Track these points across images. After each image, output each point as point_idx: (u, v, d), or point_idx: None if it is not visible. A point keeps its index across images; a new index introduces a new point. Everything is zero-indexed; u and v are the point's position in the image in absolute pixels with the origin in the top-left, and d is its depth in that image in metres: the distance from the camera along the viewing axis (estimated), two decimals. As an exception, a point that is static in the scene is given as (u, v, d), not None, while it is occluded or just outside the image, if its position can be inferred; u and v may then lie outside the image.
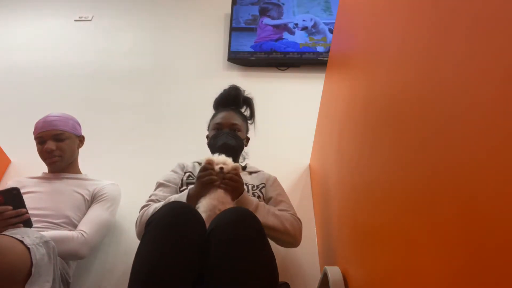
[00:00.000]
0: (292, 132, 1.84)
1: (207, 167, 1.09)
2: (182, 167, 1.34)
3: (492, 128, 0.37)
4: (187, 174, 1.29)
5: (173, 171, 1.32)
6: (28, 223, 1.07)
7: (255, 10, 2.39)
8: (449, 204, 0.44)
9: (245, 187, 1.22)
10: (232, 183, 1.07)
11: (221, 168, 1.08)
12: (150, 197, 1.21)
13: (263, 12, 2.36)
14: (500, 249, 0.35)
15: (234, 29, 2.31)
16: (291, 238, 1.14)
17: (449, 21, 0.48)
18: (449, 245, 0.43)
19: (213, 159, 1.11)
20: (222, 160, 1.11)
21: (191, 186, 1.13)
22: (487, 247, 0.37)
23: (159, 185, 1.26)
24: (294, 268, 1.36)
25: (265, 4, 2.39)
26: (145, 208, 1.16)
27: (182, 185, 1.25)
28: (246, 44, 2.25)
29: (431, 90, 0.51)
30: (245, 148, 1.42)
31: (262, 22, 2.32)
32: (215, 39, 2.40)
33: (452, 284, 0.42)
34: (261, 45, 2.24)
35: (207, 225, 0.94)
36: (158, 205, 1.13)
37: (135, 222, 1.16)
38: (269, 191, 1.29)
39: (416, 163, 0.54)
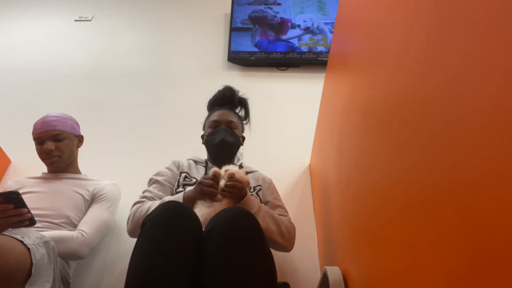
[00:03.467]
0: (292, 132, 1.84)
1: (212, 179, 1.08)
2: (178, 166, 1.32)
3: (493, 129, 0.37)
4: (183, 175, 1.27)
5: (168, 168, 1.30)
6: (31, 221, 1.06)
7: (252, 11, 2.38)
8: (449, 204, 0.44)
9: None
10: (235, 190, 1.06)
11: (214, 176, 1.08)
12: (143, 193, 1.19)
13: (257, 21, 2.32)
14: (501, 249, 0.35)
15: (234, 29, 2.31)
16: (286, 243, 1.14)
17: (451, 21, 0.48)
18: (449, 245, 0.43)
19: (220, 171, 1.10)
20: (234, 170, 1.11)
21: (188, 188, 1.12)
22: (488, 247, 0.37)
23: (154, 181, 1.23)
24: (294, 268, 1.36)
25: (254, 13, 2.35)
26: (139, 205, 1.13)
27: (178, 186, 1.23)
28: (246, 44, 2.25)
29: (431, 90, 0.51)
30: (240, 147, 1.41)
31: (259, 31, 2.29)
32: (215, 39, 2.40)
33: (452, 284, 0.42)
34: (261, 45, 2.24)
35: (204, 227, 0.93)
36: (153, 204, 1.11)
37: (127, 218, 1.14)
38: (266, 194, 1.28)
39: (417, 164, 0.54)
